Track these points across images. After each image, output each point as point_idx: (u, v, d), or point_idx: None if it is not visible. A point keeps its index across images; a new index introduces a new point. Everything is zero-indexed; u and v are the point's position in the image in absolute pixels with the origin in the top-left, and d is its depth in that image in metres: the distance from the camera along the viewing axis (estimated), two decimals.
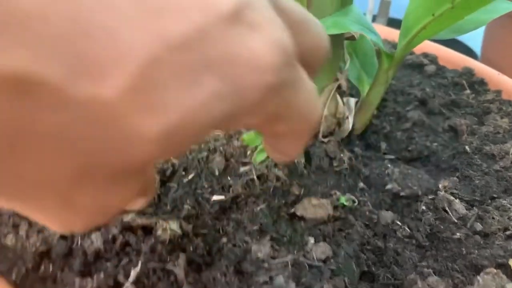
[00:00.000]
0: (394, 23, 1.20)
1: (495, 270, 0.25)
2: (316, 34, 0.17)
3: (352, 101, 0.40)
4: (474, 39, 1.10)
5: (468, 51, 1.11)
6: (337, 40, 0.35)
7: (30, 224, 0.26)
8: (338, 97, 0.39)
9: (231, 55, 0.12)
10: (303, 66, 0.15)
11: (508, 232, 0.31)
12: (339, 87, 0.38)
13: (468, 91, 0.49)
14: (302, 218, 0.31)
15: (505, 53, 1.00)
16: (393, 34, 0.60)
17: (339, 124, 0.39)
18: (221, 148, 0.35)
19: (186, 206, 0.31)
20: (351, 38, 0.39)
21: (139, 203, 0.18)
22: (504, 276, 0.25)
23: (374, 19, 1.04)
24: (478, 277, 0.25)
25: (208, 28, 0.12)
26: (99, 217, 0.14)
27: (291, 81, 0.14)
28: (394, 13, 1.10)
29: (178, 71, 0.12)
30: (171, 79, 0.12)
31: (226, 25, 0.12)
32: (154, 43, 0.11)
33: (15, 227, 0.26)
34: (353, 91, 0.47)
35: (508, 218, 0.32)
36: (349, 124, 0.39)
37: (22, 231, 0.25)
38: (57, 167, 0.12)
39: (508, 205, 0.33)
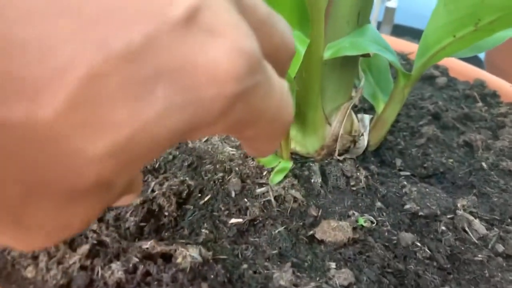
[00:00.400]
0: (399, 29, 1.20)
1: None
2: (282, 31, 0.16)
3: (367, 118, 0.40)
4: None
5: (473, 57, 1.10)
6: (353, 59, 0.35)
7: (50, 255, 0.25)
8: (353, 114, 0.38)
9: (186, 64, 0.12)
10: (272, 65, 0.15)
11: None
12: (354, 104, 0.38)
13: (480, 104, 0.49)
14: (321, 241, 0.30)
15: (509, 56, 0.99)
16: (398, 44, 0.60)
17: (354, 141, 0.39)
18: (236, 168, 0.35)
19: (203, 230, 0.30)
20: (366, 55, 0.38)
21: (127, 201, 0.18)
22: None
23: (379, 26, 1.03)
24: None
25: (157, 36, 0.11)
26: (61, 234, 0.14)
27: (257, 87, 0.13)
28: (398, 20, 1.10)
29: (126, 83, 0.11)
30: (118, 92, 0.11)
31: (178, 32, 0.11)
32: (94, 56, 0.10)
33: (35, 258, 0.25)
34: (365, 105, 0.46)
35: None
36: (364, 141, 0.39)
37: (42, 263, 0.25)
38: (4, 186, 0.11)
39: None
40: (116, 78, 0.11)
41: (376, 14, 0.96)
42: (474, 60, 1.08)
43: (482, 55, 1.14)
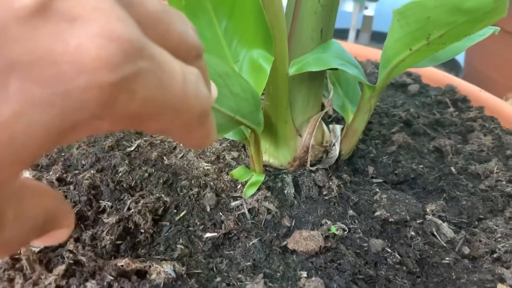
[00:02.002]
0: (377, 36, 1.22)
1: None
2: (180, 29, 0.15)
3: (338, 128, 0.41)
4: None
5: (450, 60, 1.13)
6: (318, 72, 0.36)
7: (25, 277, 0.26)
8: (324, 125, 0.40)
9: (44, 54, 0.11)
10: (178, 58, 0.14)
11: (495, 255, 0.31)
12: (324, 115, 0.39)
13: (451, 109, 0.51)
14: (294, 251, 0.31)
15: (489, 61, 1.02)
16: (376, 54, 0.62)
17: (326, 151, 0.40)
18: (211, 183, 0.36)
19: (179, 246, 0.31)
20: (333, 68, 0.40)
21: (58, 237, 0.17)
22: None
23: (358, 33, 1.05)
24: None
25: (2, 28, 0.10)
26: None
27: (142, 74, 0.12)
28: (377, 27, 1.12)
29: None
30: None
31: (29, 23, 0.11)
32: None
33: (10, 281, 0.26)
34: (339, 116, 0.48)
35: (495, 240, 0.33)
36: (336, 151, 0.40)
37: (18, 285, 0.25)
38: None
39: (494, 226, 0.34)
40: None
41: (354, 22, 0.98)
42: (452, 65, 1.10)
43: (461, 59, 1.16)
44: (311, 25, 0.33)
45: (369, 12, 0.96)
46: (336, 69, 0.38)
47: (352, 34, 0.98)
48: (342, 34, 1.13)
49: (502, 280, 0.29)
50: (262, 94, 0.34)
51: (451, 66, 1.08)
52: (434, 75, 0.56)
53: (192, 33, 0.16)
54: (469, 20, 0.23)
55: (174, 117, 0.14)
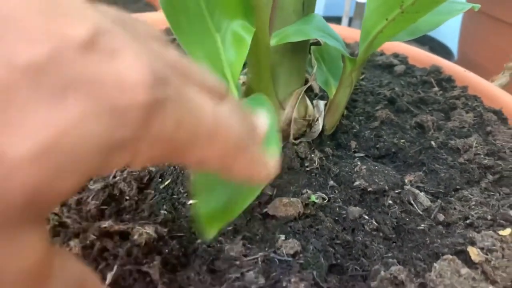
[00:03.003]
0: None
1: (451, 257, 0.27)
2: (196, 69, 0.17)
3: (321, 103, 0.42)
4: (451, 36, 1.13)
5: (443, 48, 1.13)
6: (302, 46, 0.37)
7: None
8: (308, 100, 0.40)
9: (94, 76, 0.13)
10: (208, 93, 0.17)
11: (468, 221, 0.32)
12: (309, 90, 0.40)
13: (436, 88, 0.52)
14: (273, 217, 0.32)
15: (481, 48, 1.02)
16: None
17: (310, 126, 0.41)
18: None
19: (162, 212, 0.32)
20: (317, 43, 0.41)
21: None
22: (459, 262, 0.27)
23: (350, 21, 1.06)
24: (435, 264, 0.27)
25: (61, 52, 0.12)
26: None
27: (170, 100, 0.14)
28: None
29: (36, 91, 0.12)
30: (30, 99, 0.12)
31: (82, 50, 0.13)
32: (1, 67, 0.12)
33: None
34: (324, 94, 0.49)
35: (469, 208, 0.34)
36: (319, 125, 0.41)
37: None
38: None
39: (469, 195, 0.35)
40: (24, 86, 0.12)
41: (347, 9, 0.98)
42: (445, 53, 1.11)
43: (454, 48, 1.17)
44: None
45: None
46: (319, 43, 0.39)
47: (345, 21, 0.99)
48: (335, 21, 1.14)
49: (473, 243, 0.30)
50: (244, 65, 0.35)
51: (443, 53, 1.09)
52: (420, 56, 0.57)
53: (211, 77, 0.18)
54: None
55: (209, 144, 0.16)
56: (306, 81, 0.41)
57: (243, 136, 0.17)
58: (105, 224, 0.29)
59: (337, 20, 1.09)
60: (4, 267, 0.13)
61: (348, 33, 0.62)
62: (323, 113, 0.41)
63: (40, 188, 0.12)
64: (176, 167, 0.36)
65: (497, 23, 0.96)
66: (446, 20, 0.35)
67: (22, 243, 0.13)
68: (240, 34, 0.32)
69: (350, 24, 1.06)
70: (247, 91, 0.38)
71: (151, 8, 1.14)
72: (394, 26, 0.31)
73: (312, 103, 0.42)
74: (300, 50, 0.37)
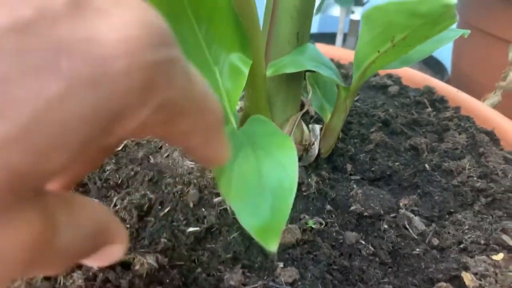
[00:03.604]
0: None
1: (445, 284, 0.28)
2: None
3: (317, 127, 0.42)
4: (444, 51, 1.15)
5: (437, 63, 1.15)
6: (297, 73, 0.38)
7: None
8: (304, 125, 0.41)
9: (89, 35, 0.12)
10: None
11: (462, 245, 0.33)
12: (304, 113, 0.41)
13: (429, 109, 0.53)
14: None
15: (474, 62, 1.04)
16: None
17: (306, 150, 0.41)
18: (195, 180, 0.37)
19: (162, 240, 0.33)
20: (312, 71, 0.42)
21: (110, 256, 0.17)
22: None
23: (345, 37, 1.07)
24: None
25: (49, 10, 0.11)
26: None
27: (174, 62, 0.13)
28: None
29: (22, 56, 0.11)
30: (14, 67, 0.11)
31: (67, 10, 0.11)
32: None
33: None
34: (320, 117, 0.49)
35: (462, 232, 0.34)
36: (315, 149, 0.42)
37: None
38: None
39: (463, 219, 0.36)
40: (9, 49, 0.11)
41: (341, 26, 1.00)
42: (438, 68, 1.13)
43: (448, 62, 1.19)
44: (287, 29, 0.35)
45: (355, 16, 0.99)
46: (313, 71, 0.40)
47: (339, 38, 1.00)
48: (330, 38, 1.15)
49: (467, 269, 0.30)
50: (243, 96, 0.36)
51: (437, 69, 1.10)
52: (414, 77, 0.58)
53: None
54: (426, 23, 0.25)
55: (200, 116, 0.15)
56: (302, 106, 0.41)
57: (222, 115, 0.17)
58: None
59: (332, 36, 1.10)
60: (3, 249, 0.12)
61: (342, 54, 0.63)
62: (319, 137, 0.42)
63: (27, 168, 0.11)
64: (176, 194, 0.36)
65: (489, 38, 0.97)
66: (437, 48, 0.37)
67: (18, 223, 0.12)
68: (238, 66, 0.32)
69: (344, 40, 1.07)
70: (244, 118, 0.38)
71: None
72: (386, 58, 0.32)
73: (308, 127, 0.42)
74: (295, 78, 0.38)
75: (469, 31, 0.39)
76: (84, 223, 0.15)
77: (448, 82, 1.11)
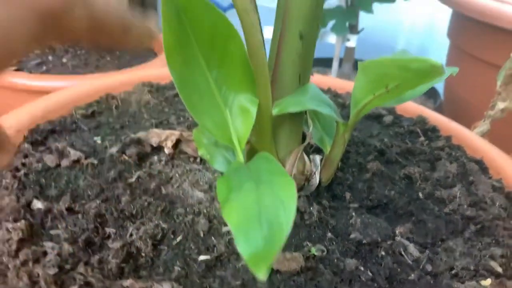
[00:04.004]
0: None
1: None
2: None
3: (318, 158, 0.45)
4: None
5: (429, 88, 1.18)
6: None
7: None
8: (305, 156, 0.44)
9: None
10: None
11: (453, 271, 0.36)
12: (305, 148, 0.44)
13: (422, 138, 0.56)
14: (278, 271, 0.35)
15: (466, 86, 1.08)
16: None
17: (308, 180, 0.44)
18: (204, 210, 0.40)
19: (176, 268, 0.35)
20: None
21: None
22: None
23: (341, 63, 1.11)
24: None
25: None
26: None
27: None
28: (359, 55, 1.18)
29: None
30: None
31: None
32: None
33: None
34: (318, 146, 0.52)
35: (454, 259, 0.37)
36: (316, 179, 0.44)
37: None
38: None
39: (454, 246, 0.38)
40: None
41: (337, 53, 1.04)
42: (431, 92, 1.16)
43: (440, 87, 1.23)
44: (290, 71, 0.38)
45: (351, 44, 1.03)
46: None
47: (335, 64, 1.04)
48: (327, 62, 1.19)
49: None
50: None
51: (429, 93, 1.14)
52: (407, 107, 0.62)
53: None
54: (417, 76, 0.28)
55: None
56: (303, 138, 0.44)
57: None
58: (127, 283, 0.32)
59: (329, 61, 1.14)
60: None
61: (339, 83, 0.67)
62: (319, 167, 0.45)
63: None
64: (187, 224, 0.39)
65: (479, 63, 1.01)
66: (429, 87, 0.40)
67: None
68: (246, 106, 0.36)
69: (340, 65, 1.11)
70: (250, 151, 0.41)
71: (151, 52, 1.19)
72: (381, 99, 0.35)
73: (308, 157, 0.45)
74: (297, 114, 0.41)
75: (457, 69, 0.42)
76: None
77: (440, 106, 1.15)
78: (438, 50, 1.50)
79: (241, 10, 0.32)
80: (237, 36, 0.33)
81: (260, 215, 0.28)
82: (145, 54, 1.17)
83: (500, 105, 0.58)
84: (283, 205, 0.28)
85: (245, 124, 0.36)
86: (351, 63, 1.08)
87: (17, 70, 1.00)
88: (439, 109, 1.13)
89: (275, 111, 0.37)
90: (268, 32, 0.37)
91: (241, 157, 0.37)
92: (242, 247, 0.26)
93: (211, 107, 0.36)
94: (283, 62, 0.38)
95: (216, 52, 0.33)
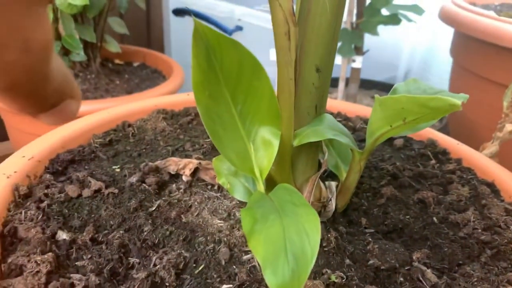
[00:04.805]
0: (365, 84, 1.31)
1: None
2: None
3: (333, 185, 0.46)
4: None
5: None
6: None
7: None
8: (321, 183, 0.45)
9: None
10: None
11: None
12: (322, 174, 0.45)
13: (433, 161, 0.57)
14: None
15: (470, 106, 1.09)
16: (364, 110, 0.68)
17: (324, 206, 0.45)
18: (225, 239, 0.41)
19: None
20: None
21: (69, 110, 0.23)
22: None
23: (347, 82, 1.13)
24: None
25: None
26: None
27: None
28: (365, 75, 1.20)
29: None
30: None
31: None
32: None
33: None
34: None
35: (472, 284, 0.38)
36: (332, 205, 0.45)
37: None
38: None
39: (471, 271, 0.39)
40: None
41: (343, 74, 1.05)
42: None
43: None
44: (307, 102, 0.39)
45: (356, 64, 1.05)
46: None
47: (341, 85, 1.06)
48: (333, 83, 1.21)
49: None
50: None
51: None
52: None
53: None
54: (434, 112, 0.29)
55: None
56: (319, 165, 0.45)
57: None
58: None
59: (334, 81, 1.16)
60: (39, 36, 0.18)
61: (349, 107, 0.68)
62: (335, 194, 0.46)
63: None
64: (208, 252, 0.40)
65: (483, 81, 1.03)
66: (441, 117, 0.41)
67: (43, 17, 0.18)
68: (269, 139, 0.37)
69: (346, 85, 1.13)
70: (269, 180, 0.42)
71: (159, 74, 1.21)
72: (397, 130, 0.36)
73: (324, 184, 0.46)
74: (314, 143, 0.42)
75: (468, 97, 0.43)
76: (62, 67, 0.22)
77: (446, 124, 1.16)
78: (441, 68, 1.52)
79: (279, 48, 0.33)
80: (262, 71, 0.34)
81: (286, 248, 0.29)
82: (153, 77, 1.19)
83: (508, 127, 0.59)
84: (308, 237, 0.29)
85: (267, 156, 0.37)
86: (357, 83, 1.10)
87: None
88: (445, 128, 1.14)
89: (295, 142, 0.38)
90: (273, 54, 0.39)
91: (262, 187, 0.38)
92: (270, 279, 0.27)
93: (234, 139, 0.37)
94: (300, 93, 0.39)
95: (241, 87, 0.34)
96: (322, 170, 0.44)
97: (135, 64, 1.29)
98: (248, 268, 0.38)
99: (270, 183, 0.42)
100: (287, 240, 0.29)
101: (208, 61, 0.32)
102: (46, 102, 0.22)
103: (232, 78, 0.34)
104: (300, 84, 0.39)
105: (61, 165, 0.50)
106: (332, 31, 0.37)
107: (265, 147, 0.37)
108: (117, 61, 1.28)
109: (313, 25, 0.36)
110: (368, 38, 1.09)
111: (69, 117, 0.24)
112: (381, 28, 1.06)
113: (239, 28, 1.28)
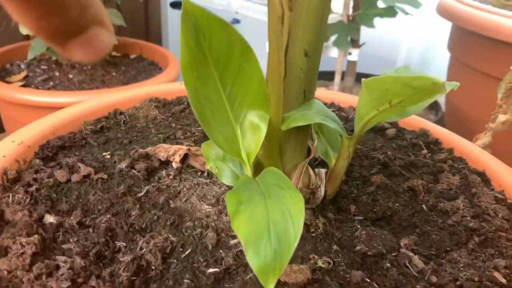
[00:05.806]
0: (361, 77, 1.31)
1: None
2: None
3: (323, 171, 0.46)
4: None
5: None
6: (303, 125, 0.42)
7: None
8: (310, 170, 0.45)
9: None
10: None
11: (458, 283, 0.36)
12: (310, 161, 0.45)
13: (425, 151, 0.57)
14: (285, 283, 0.36)
15: (467, 99, 1.09)
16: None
17: (313, 193, 0.45)
18: (212, 224, 0.41)
19: (185, 280, 0.36)
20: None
21: (100, 42, 0.21)
22: None
23: (343, 76, 1.13)
24: None
25: None
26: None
27: None
28: (360, 69, 1.20)
29: None
30: None
31: None
32: None
33: None
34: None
35: (458, 270, 0.38)
36: (321, 192, 0.45)
37: None
38: None
39: (458, 257, 0.39)
40: None
41: (339, 67, 1.05)
42: (432, 104, 1.17)
43: (442, 99, 1.24)
44: (296, 87, 0.39)
45: (352, 57, 1.04)
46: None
47: (337, 77, 1.06)
48: (330, 75, 1.21)
49: None
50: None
51: (431, 105, 1.15)
52: (410, 120, 0.63)
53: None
54: (418, 93, 0.29)
55: None
56: (309, 152, 0.45)
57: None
58: None
59: (331, 74, 1.16)
60: None
61: (342, 97, 0.68)
62: (324, 181, 0.46)
63: None
64: (195, 237, 0.40)
65: (479, 75, 1.03)
66: (431, 102, 0.41)
67: None
68: (257, 122, 0.37)
69: (342, 78, 1.13)
70: (257, 165, 0.42)
71: (155, 66, 1.21)
72: (384, 114, 0.36)
73: (314, 171, 0.46)
74: (302, 129, 0.42)
75: (458, 84, 0.43)
76: None
77: (442, 118, 1.15)
78: (439, 63, 1.52)
79: (272, 32, 0.33)
80: (251, 54, 0.34)
81: (269, 228, 0.29)
82: (150, 69, 1.19)
83: (501, 118, 0.59)
84: (292, 219, 0.29)
85: (255, 140, 0.37)
86: (353, 77, 1.09)
87: (24, 86, 1.02)
88: (441, 121, 1.14)
89: (283, 126, 0.38)
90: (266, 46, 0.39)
91: (249, 171, 0.38)
92: (252, 259, 0.27)
93: (223, 122, 0.37)
94: (289, 78, 0.39)
95: (230, 69, 0.34)
96: (311, 157, 0.44)
97: (132, 56, 1.29)
98: (235, 252, 0.38)
99: (258, 168, 0.42)
100: (270, 221, 0.29)
101: (196, 41, 0.32)
102: (74, 22, 0.20)
103: (221, 59, 0.33)
104: (289, 68, 0.39)
105: (51, 151, 0.50)
106: (321, 15, 0.37)
107: (253, 130, 0.36)
108: (114, 53, 1.27)
109: (301, 9, 0.36)
110: (366, 33, 1.09)
111: (101, 49, 0.22)
112: (379, 23, 1.05)
113: (237, 21, 1.28)
